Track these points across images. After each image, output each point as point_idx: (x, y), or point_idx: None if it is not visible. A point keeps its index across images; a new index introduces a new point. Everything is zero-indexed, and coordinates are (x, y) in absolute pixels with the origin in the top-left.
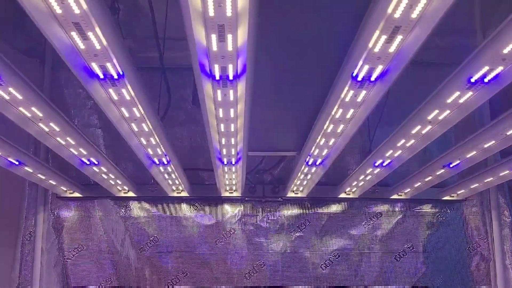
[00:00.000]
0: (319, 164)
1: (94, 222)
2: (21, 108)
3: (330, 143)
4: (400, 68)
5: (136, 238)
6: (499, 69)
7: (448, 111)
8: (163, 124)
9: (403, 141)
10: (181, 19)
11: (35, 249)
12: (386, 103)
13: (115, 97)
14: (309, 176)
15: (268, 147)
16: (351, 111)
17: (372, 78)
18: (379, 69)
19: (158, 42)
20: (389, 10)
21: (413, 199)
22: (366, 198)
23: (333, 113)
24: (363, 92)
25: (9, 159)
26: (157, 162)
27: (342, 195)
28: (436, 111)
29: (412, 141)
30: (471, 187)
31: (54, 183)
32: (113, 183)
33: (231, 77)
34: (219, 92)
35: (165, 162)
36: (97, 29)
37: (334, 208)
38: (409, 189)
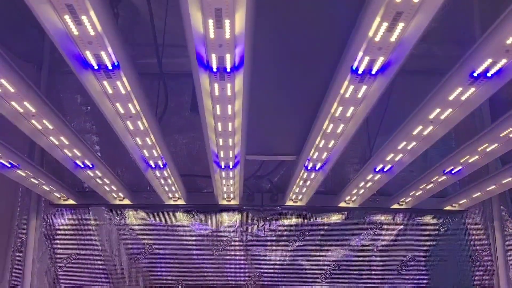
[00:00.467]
0: (319, 169)
1: (88, 230)
2: (13, 103)
3: (330, 145)
4: (401, 60)
5: (131, 247)
6: (503, 61)
7: (450, 110)
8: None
9: (404, 143)
10: (180, 26)
11: (26, 257)
12: (386, 112)
13: (110, 91)
14: (308, 183)
15: (266, 151)
16: (351, 108)
17: (373, 71)
18: (380, 61)
19: (157, 48)
20: None
21: (415, 209)
22: (366, 207)
23: (332, 111)
24: (364, 87)
25: (1, 160)
26: (153, 166)
27: (342, 204)
28: (438, 110)
29: (414, 143)
30: (473, 196)
31: (47, 188)
32: (108, 189)
33: (228, 69)
34: (216, 86)
35: (161, 166)
36: (92, 13)
37: (334, 217)
38: (410, 198)
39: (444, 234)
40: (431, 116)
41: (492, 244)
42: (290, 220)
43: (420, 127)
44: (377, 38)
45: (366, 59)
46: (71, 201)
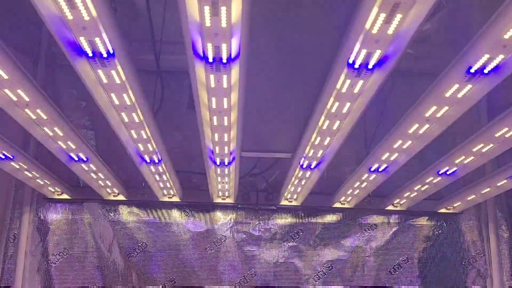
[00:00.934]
0: (314, 167)
1: (81, 226)
2: (6, 90)
3: (326, 143)
4: (398, 54)
5: (124, 243)
6: (500, 57)
7: (446, 107)
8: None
9: (400, 142)
10: (179, 22)
11: (18, 252)
12: (383, 113)
13: (105, 80)
14: (303, 182)
15: (262, 148)
16: (348, 104)
17: (370, 65)
18: (377, 54)
19: (155, 44)
20: None
21: (409, 211)
22: (361, 208)
23: (328, 106)
24: (361, 82)
25: None
26: (148, 160)
27: (337, 205)
28: (434, 107)
29: (409, 142)
30: (468, 198)
31: (41, 182)
32: (102, 184)
33: (224, 60)
34: (212, 77)
35: (156, 161)
36: None
37: (329, 218)
38: (405, 200)
39: (438, 236)
40: (427, 114)
41: (486, 248)
42: (285, 220)
43: (416, 125)
44: (375, 30)
45: (363, 52)
46: (65, 196)
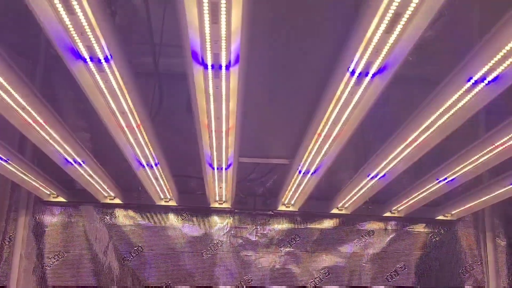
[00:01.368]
0: (313, 173)
1: (77, 229)
2: (2, 94)
3: (324, 149)
4: (399, 62)
5: (120, 247)
6: (500, 68)
7: (446, 116)
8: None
9: (399, 149)
10: (178, 26)
11: (14, 254)
12: (382, 120)
13: (102, 85)
14: (301, 187)
15: (260, 154)
16: (347, 111)
17: (370, 74)
18: (377, 63)
19: (154, 47)
20: None
21: (407, 217)
22: (358, 215)
23: (328, 113)
24: (360, 90)
25: None
26: (144, 164)
27: (335, 211)
28: (434, 116)
29: (408, 149)
30: (466, 206)
31: (37, 185)
32: (98, 187)
33: (223, 66)
34: (211, 83)
35: (153, 165)
36: (85, 2)
37: (326, 224)
38: (402, 207)
39: (436, 244)
40: (427, 123)
41: (483, 256)
42: (282, 225)
43: (416, 133)
44: (375, 40)
45: (363, 61)
46: (61, 199)
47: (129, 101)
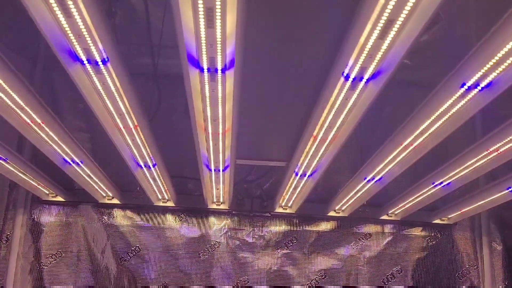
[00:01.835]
0: (309, 176)
1: (75, 228)
2: (0, 94)
3: (320, 152)
4: (393, 67)
5: (118, 247)
6: (493, 74)
7: (440, 121)
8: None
9: (394, 153)
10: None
11: (11, 253)
12: (378, 123)
13: (100, 87)
14: (298, 190)
15: (257, 156)
16: (342, 116)
17: (364, 79)
18: (371, 69)
19: (152, 48)
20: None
21: (403, 221)
22: (355, 217)
23: (323, 118)
24: (355, 94)
25: None
26: (142, 165)
27: (332, 214)
28: (428, 121)
29: (404, 153)
30: (462, 210)
31: (36, 184)
32: (96, 187)
33: (219, 70)
34: (207, 86)
35: (151, 165)
36: (81, 5)
37: (323, 226)
38: (399, 210)
39: (432, 247)
40: (422, 127)
41: (479, 260)
42: (279, 227)
43: (411, 138)
44: (368, 46)
45: (358, 66)
46: (59, 198)
47: (126, 102)
